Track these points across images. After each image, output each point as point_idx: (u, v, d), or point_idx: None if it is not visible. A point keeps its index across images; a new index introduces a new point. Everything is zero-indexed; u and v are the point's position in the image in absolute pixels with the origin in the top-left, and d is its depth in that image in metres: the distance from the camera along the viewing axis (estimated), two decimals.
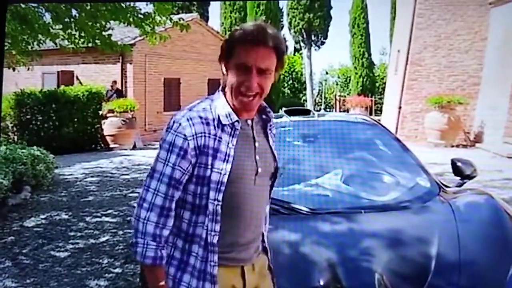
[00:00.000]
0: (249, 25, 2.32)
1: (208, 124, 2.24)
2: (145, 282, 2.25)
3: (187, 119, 2.24)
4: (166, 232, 2.27)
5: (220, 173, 2.24)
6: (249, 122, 2.38)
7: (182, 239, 2.32)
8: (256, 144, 2.38)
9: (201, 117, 2.25)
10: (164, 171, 2.25)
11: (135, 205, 2.32)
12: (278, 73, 2.37)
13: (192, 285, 2.29)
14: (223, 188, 2.24)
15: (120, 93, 19.70)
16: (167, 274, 2.30)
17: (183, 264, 2.31)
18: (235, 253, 2.38)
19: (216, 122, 2.26)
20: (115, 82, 19.65)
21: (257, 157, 2.37)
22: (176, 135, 2.24)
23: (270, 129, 2.50)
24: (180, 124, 2.24)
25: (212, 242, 2.27)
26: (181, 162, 2.23)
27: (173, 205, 2.28)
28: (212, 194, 2.24)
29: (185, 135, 2.21)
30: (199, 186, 2.27)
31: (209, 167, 2.23)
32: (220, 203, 2.25)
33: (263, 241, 2.57)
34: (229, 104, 2.32)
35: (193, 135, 2.21)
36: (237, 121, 2.29)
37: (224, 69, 2.34)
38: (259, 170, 2.37)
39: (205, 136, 2.22)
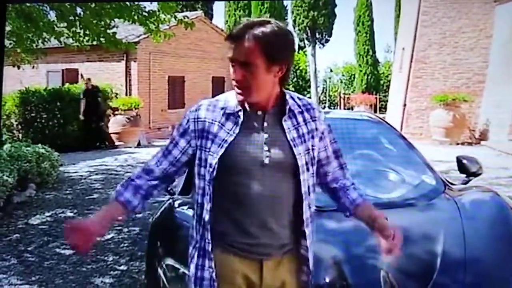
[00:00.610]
0: (237, 23, 2.44)
1: (214, 111, 2.44)
2: (150, 280, 2.29)
3: (196, 106, 2.50)
4: (138, 181, 2.53)
5: (213, 156, 2.37)
6: (260, 113, 2.42)
7: (196, 221, 2.48)
8: (265, 135, 2.40)
9: (209, 105, 2.47)
10: (168, 144, 2.55)
11: None
12: (281, 67, 2.37)
13: (197, 263, 2.45)
14: (211, 170, 2.37)
15: (97, 92, 18.06)
16: (188, 253, 2.52)
17: (197, 244, 2.46)
18: (248, 246, 2.42)
19: (222, 111, 2.43)
20: (89, 79, 18.21)
21: (265, 148, 2.39)
22: (184, 118, 2.51)
23: (299, 123, 2.48)
24: (190, 110, 2.51)
25: (205, 220, 2.40)
26: (179, 140, 2.50)
27: (156, 170, 2.54)
28: (207, 176, 2.39)
29: (188, 118, 2.48)
30: (201, 168, 2.43)
31: (207, 150, 2.40)
32: (210, 183, 2.38)
33: (299, 243, 2.51)
34: None
35: (194, 119, 2.45)
36: (240, 110, 2.41)
37: None
38: (265, 161, 2.38)
39: (205, 121, 2.43)
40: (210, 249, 2.40)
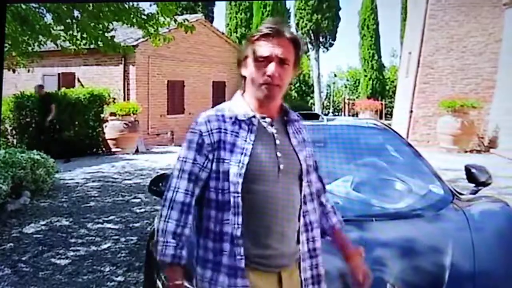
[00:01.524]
0: (266, 22, 2.46)
1: (224, 121, 2.40)
2: None
3: (204, 117, 2.42)
4: (187, 231, 2.38)
5: (238, 166, 2.34)
6: (268, 120, 2.46)
7: (212, 240, 2.40)
8: (277, 141, 2.45)
9: (217, 115, 2.42)
10: (183, 168, 2.40)
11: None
12: (296, 72, 2.51)
13: (225, 283, 2.35)
14: (241, 180, 2.32)
15: (49, 100, 16.36)
16: (203, 277, 2.40)
17: (217, 265, 2.38)
18: (266, 259, 2.40)
19: (233, 120, 2.41)
20: (41, 86, 17.01)
21: (278, 154, 2.43)
22: (193, 133, 2.41)
23: (296, 131, 2.56)
24: (197, 122, 2.42)
25: (236, 235, 2.33)
26: (197, 157, 2.39)
27: (193, 201, 2.40)
28: (232, 187, 2.33)
29: (201, 131, 2.39)
30: (220, 181, 2.37)
31: (227, 161, 2.35)
32: (239, 195, 2.32)
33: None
34: (247, 104, 2.46)
35: (208, 131, 2.38)
36: (253, 116, 2.42)
37: (243, 70, 2.48)
38: (281, 166, 2.41)
39: (220, 131, 2.38)
40: (242, 265, 2.34)
